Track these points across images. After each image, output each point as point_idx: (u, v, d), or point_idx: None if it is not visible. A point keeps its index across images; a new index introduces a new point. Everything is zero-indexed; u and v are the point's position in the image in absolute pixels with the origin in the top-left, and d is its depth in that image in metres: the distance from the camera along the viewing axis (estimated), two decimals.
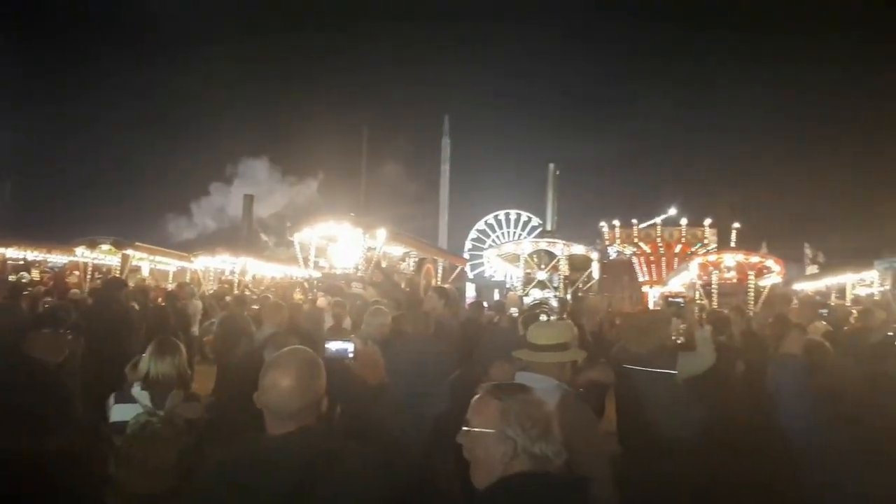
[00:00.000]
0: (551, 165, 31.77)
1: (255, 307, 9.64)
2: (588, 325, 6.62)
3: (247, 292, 15.72)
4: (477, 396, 1.93)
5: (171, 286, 15.64)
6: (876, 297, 14.69)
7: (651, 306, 23.09)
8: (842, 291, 17.23)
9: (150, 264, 19.35)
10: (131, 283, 12.39)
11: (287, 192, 38.87)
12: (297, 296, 13.15)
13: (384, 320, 5.33)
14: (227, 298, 11.86)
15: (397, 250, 17.10)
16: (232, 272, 18.22)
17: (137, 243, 17.55)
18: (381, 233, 14.52)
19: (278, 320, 5.34)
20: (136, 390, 3.19)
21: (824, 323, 8.46)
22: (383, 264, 14.33)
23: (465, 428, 1.88)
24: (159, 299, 11.32)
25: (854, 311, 10.94)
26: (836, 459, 2.90)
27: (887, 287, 14.18)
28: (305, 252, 15.33)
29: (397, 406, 2.51)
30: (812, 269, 26.73)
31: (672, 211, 34.53)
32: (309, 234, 15.33)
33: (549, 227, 31.38)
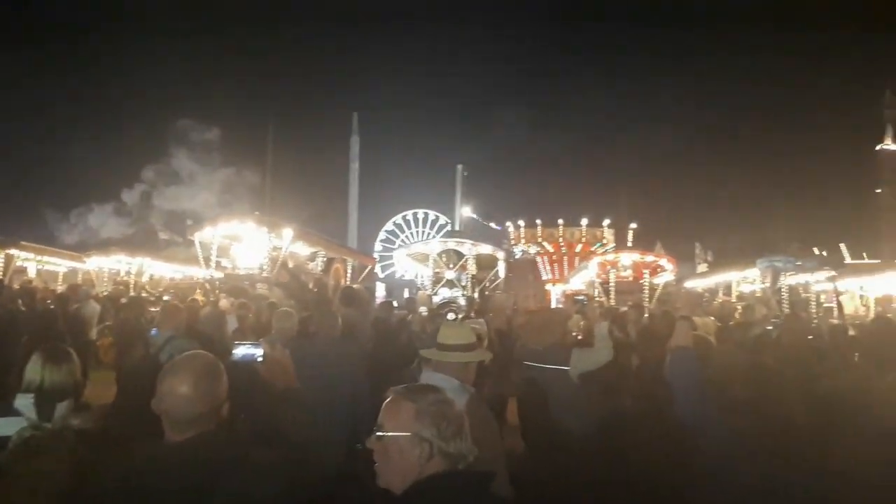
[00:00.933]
0: (459, 167, 32.18)
1: (154, 310, 9.20)
2: (494, 323, 6.76)
3: (144, 294, 14.98)
4: (388, 400, 1.91)
5: (60, 288, 14.65)
6: (758, 294, 15.85)
7: (554, 304, 23.86)
8: (728, 288, 18.42)
9: (37, 265, 18.04)
10: (16, 285, 11.48)
11: (188, 191, 37.32)
12: (199, 297, 12.67)
13: (292, 322, 5.25)
14: (123, 300, 11.27)
15: (305, 250, 16.79)
16: (128, 273, 17.32)
17: (23, 242, 16.34)
18: (288, 232, 14.23)
19: (176, 323, 5.12)
20: (21, 402, 2.97)
21: (713, 318, 9.05)
22: (290, 264, 14.02)
23: (377, 433, 1.85)
24: (48, 301, 10.57)
25: (739, 307, 11.77)
26: (726, 446, 3.08)
27: (767, 284, 15.31)
28: (207, 252, 14.78)
29: (306, 409, 2.47)
30: (702, 267, 28.40)
31: (574, 211, 35.77)
32: (211, 233, 14.80)
33: (457, 227, 31.74)
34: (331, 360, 4.19)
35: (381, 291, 24.79)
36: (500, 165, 64.78)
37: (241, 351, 2.57)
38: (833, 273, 16.18)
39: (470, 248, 18.91)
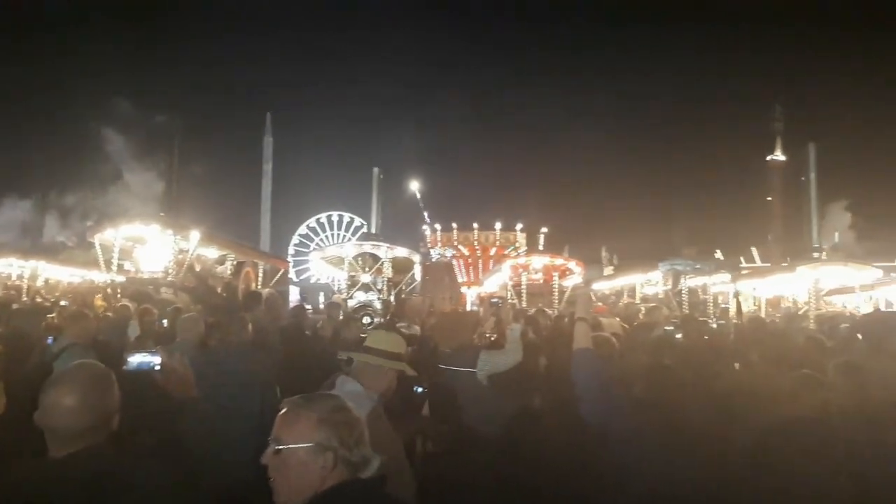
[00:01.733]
0: (375, 169, 31.96)
1: (51, 316, 8.64)
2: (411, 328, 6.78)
3: (38, 299, 14.03)
4: (284, 411, 1.86)
5: None
6: (660, 296, 16.64)
7: (469, 306, 24.14)
8: (633, 290, 19.23)
9: None
10: None
11: (88, 192, 35.24)
12: (99, 302, 12.01)
13: (198, 328, 5.06)
14: (15, 306, 10.52)
15: (213, 253, 16.23)
16: (20, 277, 16.19)
17: None
18: (195, 234, 13.72)
19: (80, 331, 4.82)
20: None
21: (618, 319, 9.41)
22: (197, 268, 13.52)
23: (274, 447, 1.78)
24: None
25: (643, 308, 12.29)
26: (628, 443, 3.21)
27: (669, 286, 16.10)
28: (108, 254, 14.03)
29: (205, 421, 2.39)
30: (608, 270, 29.49)
31: (488, 215, 36.38)
32: (112, 235, 14.06)
33: (373, 230, 31.56)
34: (238, 369, 4.07)
35: (294, 296, 24.32)
36: (417, 169, 64.92)
37: (136, 359, 2.46)
38: (729, 276, 17.20)
39: (386, 252, 18.84)
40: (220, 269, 16.62)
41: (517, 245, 34.29)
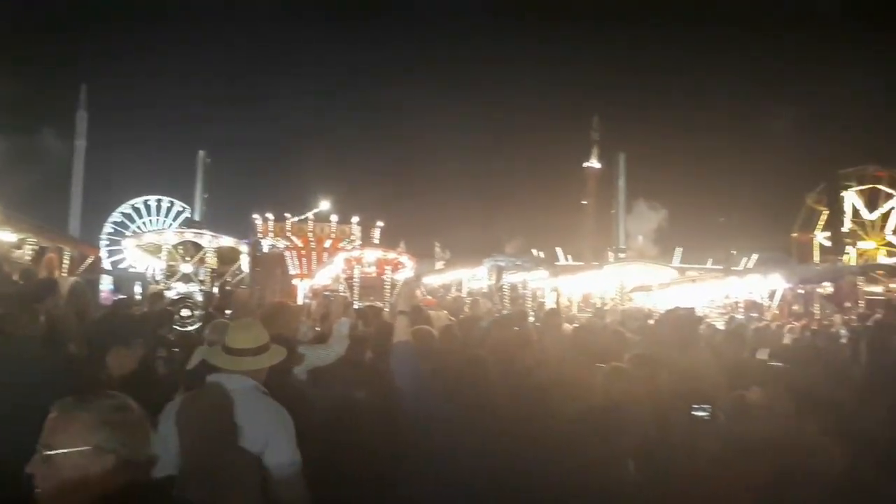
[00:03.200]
0: (201, 152, 30.14)
1: None
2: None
3: None
4: (54, 414, 1.71)
5: None
6: (484, 290, 17.47)
7: (302, 299, 23.63)
8: (460, 284, 20.00)
9: None
10: None
11: None
12: None
13: None
14: None
15: (10, 236, 14.40)
16: None
17: None
18: None
19: None
20: None
21: (445, 312, 9.74)
22: None
23: (44, 452, 1.63)
24: None
25: (468, 302, 12.82)
26: (443, 430, 3.33)
27: (493, 281, 16.95)
28: None
29: None
30: (440, 265, 30.36)
31: (324, 206, 35.77)
32: None
33: (196, 217, 29.76)
34: (22, 367, 3.65)
35: (107, 285, 22.25)
36: (249, 155, 62.27)
37: None
38: (546, 272, 18.48)
39: (210, 241, 17.86)
40: (17, 253, 14.80)
41: (352, 238, 34.14)
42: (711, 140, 56.45)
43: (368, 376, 4.67)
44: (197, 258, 17.91)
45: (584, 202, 51.69)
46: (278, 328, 3.96)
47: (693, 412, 3.26)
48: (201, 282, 17.71)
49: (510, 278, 16.71)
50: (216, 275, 18.05)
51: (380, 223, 35.70)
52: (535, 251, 30.65)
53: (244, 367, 2.93)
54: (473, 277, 19.10)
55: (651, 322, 9.02)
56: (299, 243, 34.12)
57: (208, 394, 2.80)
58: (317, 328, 6.39)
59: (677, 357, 4.76)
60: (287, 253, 34.20)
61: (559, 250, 35.80)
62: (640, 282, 18.22)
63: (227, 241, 18.40)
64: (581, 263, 29.91)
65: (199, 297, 16.05)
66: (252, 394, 2.84)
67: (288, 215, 34.56)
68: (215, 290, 17.25)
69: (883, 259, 37.32)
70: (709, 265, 30.61)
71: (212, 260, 17.77)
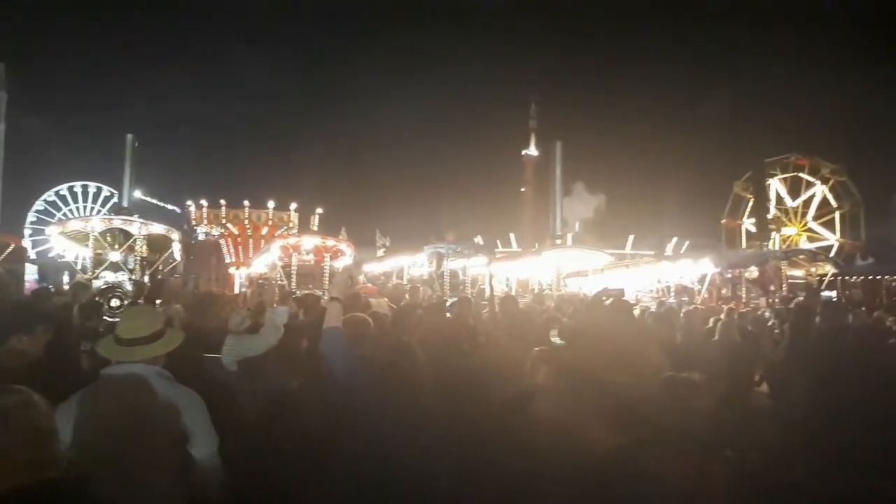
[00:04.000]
0: (129, 136, 28.91)
1: None
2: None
3: None
4: None
5: None
6: (425, 277, 17.48)
7: (238, 288, 23.11)
8: (401, 271, 19.95)
9: None
10: None
11: None
12: None
13: None
14: None
15: None
16: None
17: None
18: None
19: None
20: None
21: (386, 300, 9.69)
22: None
23: None
24: None
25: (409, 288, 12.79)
26: (374, 415, 3.31)
27: (433, 268, 16.97)
28: None
29: None
30: (381, 252, 30.23)
31: (262, 194, 35.02)
32: None
33: (125, 204, 28.64)
34: None
35: (32, 275, 21.18)
36: (181, 139, 60.27)
37: None
38: (487, 259, 18.62)
39: (140, 228, 17.22)
40: None
41: (291, 225, 33.55)
42: (646, 130, 58.13)
43: (303, 365, 4.61)
44: (126, 246, 17.24)
45: (523, 189, 52.37)
46: (208, 318, 3.85)
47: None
48: (131, 270, 17.09)
49: (451, 265, 16.78)
50: (146, 263, 17.44)
51: (319, 210, 35.26)
52: (477, 238, 30.88)
53: (137, 356, 2.83)
54: (414, 264, 19.07)
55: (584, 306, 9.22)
56: (235, 231, 33.36)
57: (108, 385, 2.69)
58: (249, 318, 6.26)
59: (608, 338, 4.87)
60: (222, 241, 33.40)
61: (512, 236, 36.28)
62: (577, 267, 18.60)
63: (157, 227, 17.78)
64: (520, 250, 30.30)
65: (129, 287, 15.50)
66: (155, 380, 2.75)
67: (223, 202, 33.71)
68: (146, 279, 16.70)
69: (804, 244, 39.32)
70: (642, 251, 31.58)
71: (142, 248, 17.15)
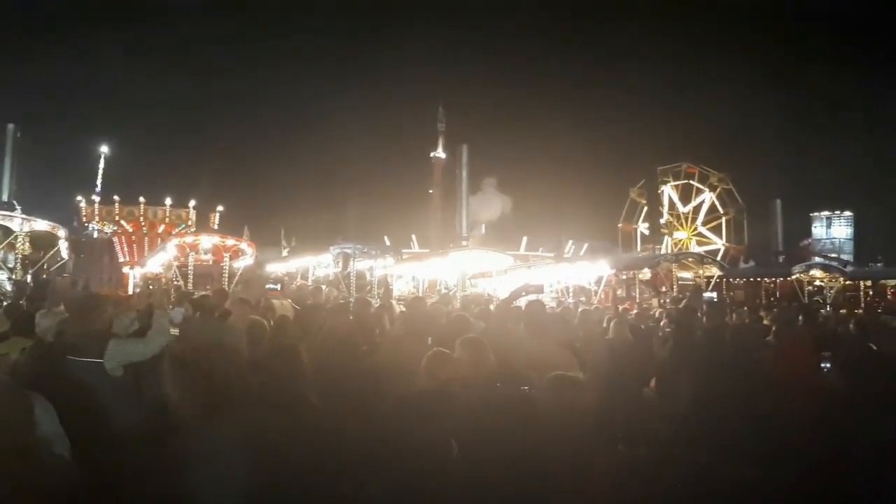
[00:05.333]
0: (11, 126, 26.81)
1: None
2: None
3: None
4: None
5: None
6: (330, 278, 17.27)
7: (132, 289, 21.97)
8: (307, 272, 19.61)
9: None
10: None
11: None
12: None
13: None
14: None
15: None
16: None
17: None
18: None
19: None
20: None
21: (289, 301, 9.52)
22: None
23: None
24: None
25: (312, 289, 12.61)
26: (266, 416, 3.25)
27: (339, 269, 16.80)
28: None
29: None
30: (286, 252, 29.60)
31: (159, 191, 33.40)
32: None
33: (4, 198, 26.55)
34: None
35: None
36: (72, 131, 56.49)
37: None
38: (394, 259, 18.62)
39: (21, 224, 16.03)
40: None
41: (189, 223, 32.26)
42: (549, 137, 59.93)
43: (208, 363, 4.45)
44: (6, 243, 16.02)
45: (431, 191, 52.69)
46: (89, 321, 3.64)
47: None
48: (11, 269, 15.91)
49: (357, 265, 16.65)
50: (29, 262, 16.27)
51: (220, 208, 34.00)
52: (385, 239, 30.80)
53: None
54: (319, 265, 18.77)
55: (492, 307, 9.43)
56: (129, 228, 31.62)
57: None
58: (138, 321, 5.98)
59: (526, 339, 4.99)
60: (116, 239, 31.58)
61: (413, 238, 36.36)
62: (482, 269, 18.92)
63: (41, 224, 16.58)
64: (427, 251, 30.50)
65: (9, 287, 14.43)
66: None
67: (117, 198, 31.84)
68: (29, 278, 15.62)
69: (694, 248, 41.85)
70: (541, 252, 32.61)
71: (24, 246, 15.97)
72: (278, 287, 13.56)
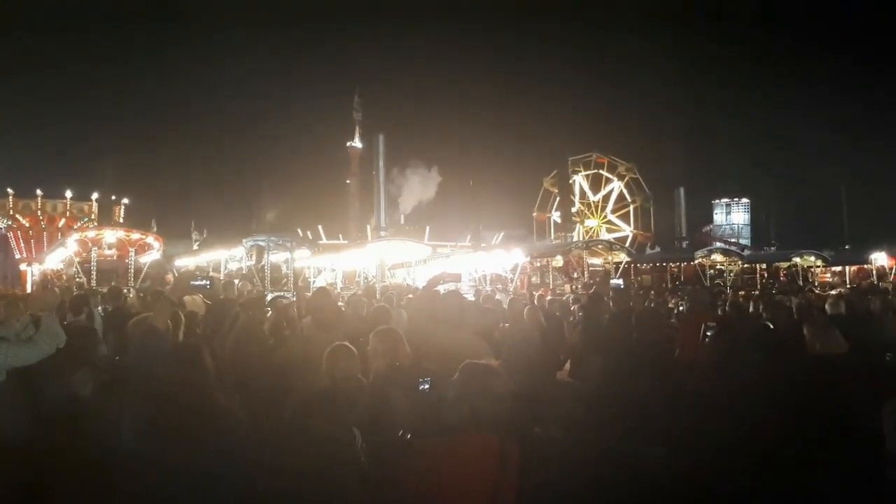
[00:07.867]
0: None
1: None
2: None
3: None
4: None
5: None
6: (244, 272, 16.82)
7: (30, 287, 20.67)
8: (219, 266, 18.97)
9: None
10: None
11: None
12: None
13: None
14: None
15: None
16: None
17: None
18: None
19: None
20: None
21: (201, 296, 9.23)
22: None
23: None
24: None
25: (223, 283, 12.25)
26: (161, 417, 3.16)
27: (253, 262, 16.40)
28: None
29: None
30: (196, 245, 28.59)
31: (58, 183, 31.56)
32: None
33: None
34: None
35: None
36: None
37: None
38: (311, 251, 18.34)
39: None
40: None
41: (92, 217, 30.67)
42: (465, 129, 60.50)
43: (99, 370, 4.27)
44: None
45: (349, 181, 52.09)
46: None
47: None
48: None
49: (272, 258, 16.26)
50: None
51: (125, 201, 32.45)
52: (300, 230, 30.27)
53: None
54: (232, 258, 18.21)
55: (411, 296, 9.48)
56: (26, 223, 29.74)
57: None
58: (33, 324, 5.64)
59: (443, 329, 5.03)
60: (11, 234, 29.61)
61: (328, 230, 35.88)
62: (401, 259, 18.94)
63: None
64: (346, 242, 30.22)
65: None
66: None
67: (11, 191, 29.83)
68: None
69: (604, 235, 43.44)
70: (459, 242, 33.00)
71: None
72: (208, 284, 12.92)
